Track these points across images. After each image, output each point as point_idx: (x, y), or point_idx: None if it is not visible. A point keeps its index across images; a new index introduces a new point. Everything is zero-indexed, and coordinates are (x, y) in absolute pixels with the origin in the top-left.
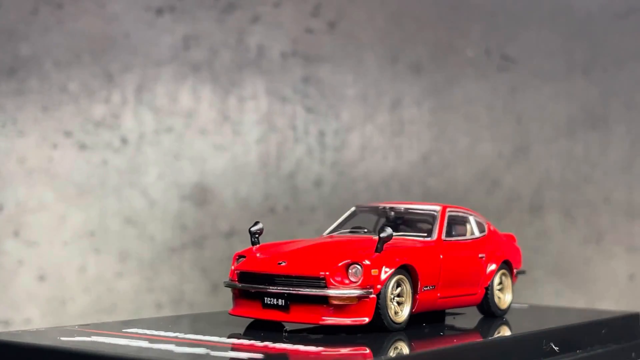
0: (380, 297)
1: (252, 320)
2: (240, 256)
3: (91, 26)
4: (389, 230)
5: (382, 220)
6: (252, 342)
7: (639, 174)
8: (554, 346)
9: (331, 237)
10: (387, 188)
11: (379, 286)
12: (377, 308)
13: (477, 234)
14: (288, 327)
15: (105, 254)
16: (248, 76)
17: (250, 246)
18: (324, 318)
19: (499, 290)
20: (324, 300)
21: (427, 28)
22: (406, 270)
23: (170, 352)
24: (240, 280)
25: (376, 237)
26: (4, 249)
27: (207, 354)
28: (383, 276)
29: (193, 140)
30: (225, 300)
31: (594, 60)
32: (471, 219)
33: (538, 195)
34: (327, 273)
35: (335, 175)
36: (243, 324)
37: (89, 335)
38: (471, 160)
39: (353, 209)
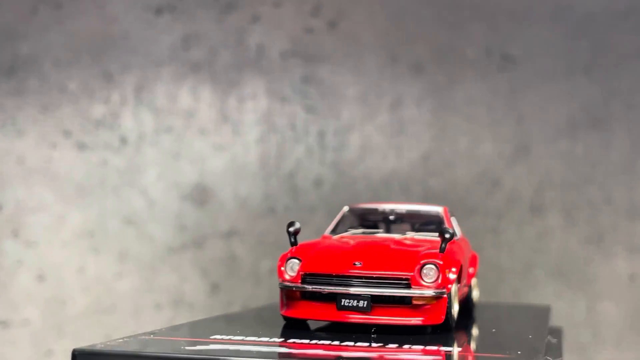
0: (450, 296)
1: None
2: (291, 257)
3: (91, 26)
4: (451, 231)
5: (380, 220)
6: (358, 344)
7: None
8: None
9: (371, 237)
10: (387, 188)
11: (450, 285)
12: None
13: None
14: (356, 327)
15: (104, 254)
16: (248, 76)
17: (291, 247)
18: (407, 319)
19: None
20: (404, 300)
21: (427, 28)
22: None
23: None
24: (307, 282)
25: (417, 237)
26: (3, 249)
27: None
28: (452, 276)
29: (193, 140)
30: (225, 300)
31: (594, 60)
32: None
33: (538, 196)
34: (412, 273)
35: (335, 175)
36: (300, 325)
37: (207, 343)
38: (471, 160)
39: (346, 208)
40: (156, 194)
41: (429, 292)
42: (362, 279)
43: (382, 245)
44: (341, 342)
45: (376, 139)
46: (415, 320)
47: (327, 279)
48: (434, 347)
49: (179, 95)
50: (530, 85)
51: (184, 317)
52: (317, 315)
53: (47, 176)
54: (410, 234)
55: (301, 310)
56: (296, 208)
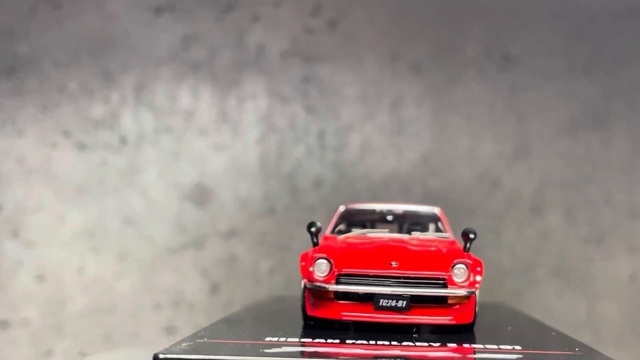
0: (476, 295)
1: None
2: (319, 258)
3: (90, 26)
4: (475, 231)
5: (377, 220)
6: (419, 344)
7: None
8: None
9: (382, 237)
10: (387, 188)
11: (477, 285)
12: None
13: None
14: (387, 327)
15: (104, 254)
16: (248, 76)
17: (313, 247)
18: (441, 318)
19: None
20: (438, 300)
21: (427, 28)
22: None
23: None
24: (342, 283)
25: (422, 237)
26: (3, 249)
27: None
28: (479, 277)
29: (193, 140)
30: (225, 301)
31: (595, 60)
32: None
33: (539, 196)
34: (449, 273)
35: (335, 175)
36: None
37: (279, 346)
38: (472, 160)
39: (342, 208)
40: (156, 194)
41: (462, 292)
42: (399, 278)
43: (405, 245)
44: (377, 341)
45: (376, 139)
46: (448, 320)
47: (364, 279)
48: (481, 346)
49: (178, 95)
50: (530, 85)
51: (183, 318)
52: (352, 315)
53: (47, 176)
54: (415, 234)
55: (334, 310)
56: (296, 208)
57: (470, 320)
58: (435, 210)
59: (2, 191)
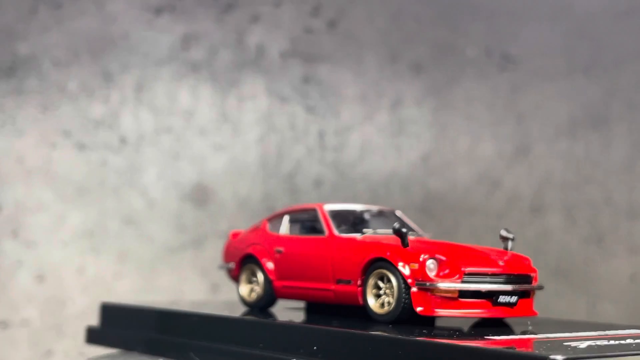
0: None
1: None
2: (430, 257)
3: (90, 26)
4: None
5: (352, 221)
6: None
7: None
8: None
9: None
10: (387, 188)
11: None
12: None
13: None
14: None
15: (104, 254)
16: (248, 76)
17: (404, 247)
18: (533, 310)
19: None
20: (528, 294)
21: (427, 28)
22: None
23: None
24: (466, 282)
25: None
26: (2, 249)
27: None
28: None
29: (192, 140)
30: (225, 300)
31: (594, 60)
32: None
33: (539, 196)
34: (535, 273)
35: (335, 175)
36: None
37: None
38: (472, 160)
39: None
40: (156, 194)
41: (541, 287)
42: (510, 276)
43: (482, 247)
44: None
45: (376, 139)
46: (535, 312)
47: (484, 277)
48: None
49: (178, 95)
50: (530, 85)
51: None
52: (472, 312)
53: (47, 176)
54: (412, 234)
55: (459, 308)
56: None
57: (537, 314)
58: (398, 211)
59: (2, 191)
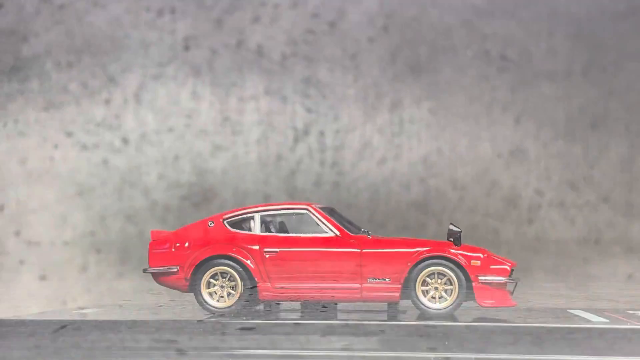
0: None
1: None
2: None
3: (92, 27)
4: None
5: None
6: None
7: (638, 174)
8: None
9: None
10: (387, 188)
11: None
12: None
13: None
14: None
15: (106, 254)
16: (248, 76)
17: (457, 246)
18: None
19: None
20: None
21: (426, 28)
22: None
23: None
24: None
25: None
26: (5, 249)
27: None
28: None
29: (193, 140)
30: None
31: (593, 60)
32: None
33: (537, 196)
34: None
35: (335, 175)
36: None
37: None
38: (471, 160)
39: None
40: (157, 194)
41: None
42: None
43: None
44: None
45: (376, 139)
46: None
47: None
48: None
49: (179, 96)
50: (529, 85)
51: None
52: (512, 302)
53: (49, 176)
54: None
55: (507, 299)
56: None
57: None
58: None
59: (4, 191)
